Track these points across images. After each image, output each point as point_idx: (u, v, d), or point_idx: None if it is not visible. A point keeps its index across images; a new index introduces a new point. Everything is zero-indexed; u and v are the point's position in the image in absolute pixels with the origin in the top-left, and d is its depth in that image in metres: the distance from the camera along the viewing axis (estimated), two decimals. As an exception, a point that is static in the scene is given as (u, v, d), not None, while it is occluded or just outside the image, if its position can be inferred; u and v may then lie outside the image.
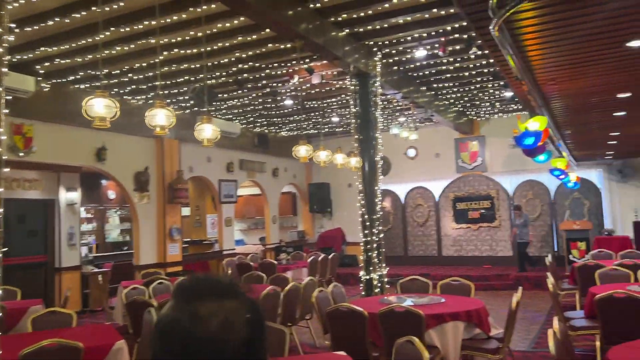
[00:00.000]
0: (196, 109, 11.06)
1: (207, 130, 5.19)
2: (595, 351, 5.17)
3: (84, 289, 10.69)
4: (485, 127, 14.31)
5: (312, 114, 13.00)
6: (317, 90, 10.48)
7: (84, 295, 10.67)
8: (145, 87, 9.72)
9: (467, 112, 13.56)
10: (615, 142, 9.41)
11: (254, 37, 7.53)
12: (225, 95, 10.66)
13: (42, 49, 7.61)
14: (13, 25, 6.38)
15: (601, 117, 6.96)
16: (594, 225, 12.28)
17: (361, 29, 7.46)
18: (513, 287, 11.58)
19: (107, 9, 6.23)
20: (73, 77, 9.02)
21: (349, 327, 4.79)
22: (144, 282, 7.62)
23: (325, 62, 7.94)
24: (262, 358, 0.96)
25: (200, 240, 13.81)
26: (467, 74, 9.73)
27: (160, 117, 4.70)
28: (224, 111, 12.17)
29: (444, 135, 14.46)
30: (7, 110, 3.65)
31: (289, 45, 7.76)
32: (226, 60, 8.40)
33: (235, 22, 6.97)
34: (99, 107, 4.45)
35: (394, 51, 8.39)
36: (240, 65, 8.65)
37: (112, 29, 6.78)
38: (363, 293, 8.08)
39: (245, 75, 9.23)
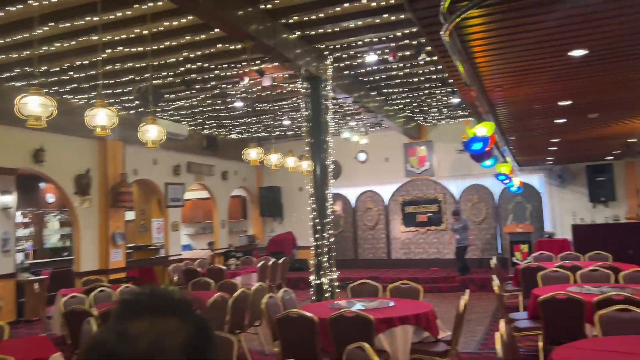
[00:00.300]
0: (142, 109, 10.70)
1: (151, 131, 4.99)
2: (538, 351, 5.31)
3: (19, 297, 10.08)
4: (433, 133, 14.61)
5: (263, 117, 12.86)
6: (268, 92, 10.37)
7: (19, 304, 10.07)
8: (87, 85, 9.31)
9: (416, 118, 13.80)
10: (555, 148, 9.79)
11: (203, 36, 7.35)
12: (173, 96, 10.37)
13: (-27, 43, 7.15)
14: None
15: (543, 123, 7.21)
16: (535, 228, 12.75)
17: (312, 32, 7.43)
18: (459, 289, 11.84)
19: (45, 2, 5.91)
20: (8, 74, 8.52)
21: (299, 334, 4.71)
22: (84, 289, 7.29)
23: (276, 64, 7.85)
24: None
25: (146, 246, 13.35)
26: (416, 80, 9.88)
27: (101, 117, 4.47)
28: (171, 112, 11.84)
29: (393, 140, 14.65)
30: None
31: (239, 46, 7.62)
32: (173, 59, 8.16)
33: (183, 20, 6.77)
34: (34, 105, 4.18)
35: (345, 55, 8.41)
36: (188, 65, 8.43)
37: (50, 24, 6.43)
38: (313, 298, 8.02)
39: (193, 75, 9.00)
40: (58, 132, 9.63)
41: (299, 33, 7.36)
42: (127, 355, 0.79)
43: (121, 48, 7.53)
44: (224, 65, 8.60)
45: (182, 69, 8.58)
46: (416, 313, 4.90)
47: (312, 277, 8.08)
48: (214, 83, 9.54)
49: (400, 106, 12.25)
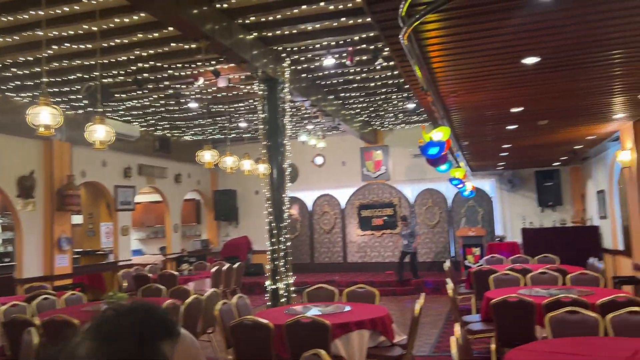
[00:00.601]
0: (90, 109, 10.29)
1: (99, 132, 4.76)
2: (491, 353, 5.38)
3: (-46, 307, 9.47)
4: (389, 137, 14.77)
5: (218, 119, 12.64)
6: (224, 94, 10.19)
7: (-46, 314, 9.45)
8: (31, 83, 8.86)
9: (372, 122, 13.91)
10: (506, 153, 10.06)
11: (156, 35, 7.13)
12: (124, 96, 10.03)
13: None
14: None
15: (496, 129, 7.38)
16: (487, 231, 13.08)
17: (270, 34, 7.34)
18: (414, 292, 11.97)
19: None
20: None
21: (254, 341, 4.60)
22: (27, 297, 6.91)
23: (232, 65, 7.71)
24: None
25: (94, 251, 12.83)
26: (372, 84, 9.94)
27: (44, 116, 4.22)
28: (122, 112, 11.46)
29: (350, 144, 14.72)
30: None
31: (193, 46, 7.44)
32: (124, 58, 7.89)
33: (135, 18, 6.54)
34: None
35: (302, 58, 8.36)
36: (140, 64, 8.17)
37: (-9, 17, 6.08)
38: (269, 303, 7.90)
39: (145, 75, 8.73)
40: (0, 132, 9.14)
41: (256, 34, 7.26)
42: None
43: (68, 45, 7.21)
44: (177, 65, 8.38)
45: (134, 67, 8.31)
46: (372, 317, 4.89)
47: (267, 282, 7.96)
48: (167, 83, 9.28)
49: (357, 110, 12.31)
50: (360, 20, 6.88)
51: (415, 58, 3.55)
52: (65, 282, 10.33)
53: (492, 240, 12.95)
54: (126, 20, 6.58)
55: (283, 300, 7.84)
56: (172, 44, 7.41)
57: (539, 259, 9.38)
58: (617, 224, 10.17)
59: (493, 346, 5.30)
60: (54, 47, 7.18)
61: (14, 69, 8.13)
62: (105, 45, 7.21)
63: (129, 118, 12.05)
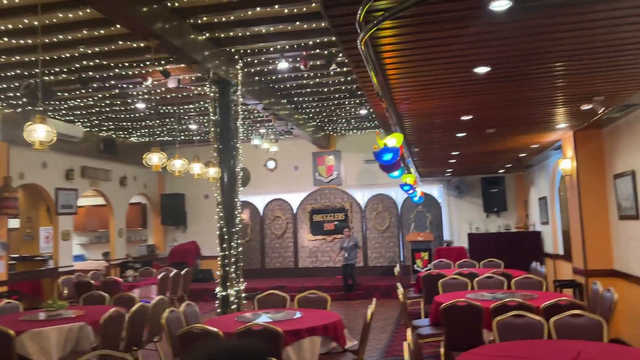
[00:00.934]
0: (30, 107, 9.77)
1: (39, 131, 4.50)
2: (440, 357, 5.46)
3: None
4: (341, 143, 14.86)
5: (167, 120, 12.31)
6: (174, 95, 9.93)
7: None
8: (-35, 79, 8.34)
9: (325, 127, 13.94)
10: (454, 160, 10.31)
11: (102, 32, 6.86)
12: (66, 95, 9.60)
13: None
14: None
15: (446, 136, 7.53)
16: (435, 236, 13.35)
17: (222, 35, 7.21)
18: (364, 296, 12.06)
19: None
20: None
21: (203, 350, 4.46)
22: (-45, 307, 6.41)
23: (182, 65, 7.51)
24: None
25: (32, 257, 12.17)
26: (326, 89, 9.96)
27: (-22, 113, 3.95)
28: (64, 112, 10.97)
29: (302, 148, 14.70)
30: None
31: (142, 45, 7.21)
32: (68, 55, 7.55)
33: (81, 13, 6.27)
34: None
35: (256, 61, 8.26)
36: (84, 62, 7.85)
37: None
38: (219, 310, 7.72)
39: (90, 73, 8.39)
40: None
41: (208, 34, 7.11)
42: None
43: (7, 39, 6.82)
44: (125, 64, 8.11)
45: (78, 65, 7.97)
46: (324, 324, 4.85)
47: (218, 289, 7.78)
48: (113, 82, 8.96)
49: (310, 115, 12.30)
50: (315, 25, 6.87)
51: (372, 64, 3.55)
52: (1, 289, 9.75)
53: (440, 245, 13.23)
54: (70, 15, 6.30)
55: (234, 307, 7.68)
56: (119, 42, 7.16)
57: (485, 264, 9.65)
58: (557, 230, 10.60)
59: (442, 350, 5.37)
60: (-9, 41, 6.78)
61: (-55, 63, 7.63)
62: (48, 41, 6.86)
63: (72, 118, 11.55)
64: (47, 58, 7.56)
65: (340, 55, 7.78)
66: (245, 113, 11.23)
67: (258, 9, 6.29)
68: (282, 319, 5.09)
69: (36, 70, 7.47)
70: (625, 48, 3.94)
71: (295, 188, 14.85)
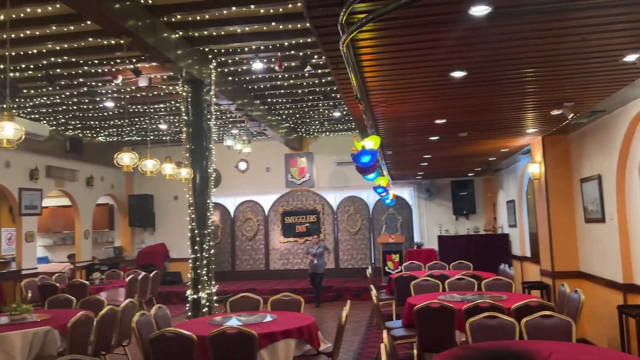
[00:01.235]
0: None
1: (7, 129, 4.34)
2: (413, 358, 5.50)
3: None
4: (314, 145, 14.86)
5: (137, 120, 12.06)
6: (144, 93, 9.75)
7: None
8: None
9: (298, 129, 13.92)
10: (426, 164, 10.43)
11: (72, 28, 6.68)
12: (32, 92, 9.31)
13: None
14: None
15: (419, 139, 7.61)
16: (406, 238, 13.48)
17: (196, 34, 7.12)
18: (335, 298, 12.08)
19: None
20: None
21: (176, 354, 4.36)
22: None
23: (154, 64, 7.38)
24: None
25: (-7, 259, 11.76)
26: (300, 91, 9.94)
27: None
28: (29, 110, 10.63)
29: (275, 150, 14.63)
30: None
31: (113, 42, 7.04)
32: (35, 51, 7.32)
33: (50, 8, 6.09)
34: None
35: (230, 60, 8.18)
36: (52, 59, 7.63)
37: None
38: (189, 314, 7.59)
39: (58, 70, 8.16)
40: None
41: (182, 33, 7.00)
42: None
43: (-30, 32, 6.56)
44: (94, 62, 7.91)
45: (45, 62, 7.74)
46: (299, 326, 4.83)
47: (189, 292, 7.66)
48: (81, 80, 8.73)
49: (283, 116, 12.26)
50: (290, 26, 6.84)
51: (352, 66, 3.55)
52: (-42, 293, 9.36)
53: (410, 247, 13.36)
54: (39, 10, 6.10)
55: (205, 310, 7.57)
56: (89, 39, 6.97)
57: (455, 265, 9.78)
58: (525, 232, 10.85)
59: (415, 351, 5.40)
60: (-47, 34, 6.51)
61: None
62: (14, 36, 6.64)
63: (38, 116, 11.21)
64: (13, 54, 7.32)
65: (316, 57, 7.78)
66: (218, 113, 11.11)
67: (233, 8, 6.23)
68: (256, 321, 5.05)
69: (2, 66, 7.21)
70: (593, 56, 4.06)
71: (267, 190, 14.77)
